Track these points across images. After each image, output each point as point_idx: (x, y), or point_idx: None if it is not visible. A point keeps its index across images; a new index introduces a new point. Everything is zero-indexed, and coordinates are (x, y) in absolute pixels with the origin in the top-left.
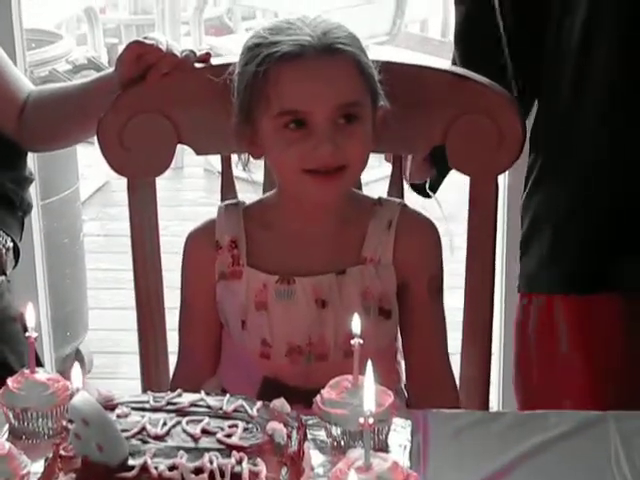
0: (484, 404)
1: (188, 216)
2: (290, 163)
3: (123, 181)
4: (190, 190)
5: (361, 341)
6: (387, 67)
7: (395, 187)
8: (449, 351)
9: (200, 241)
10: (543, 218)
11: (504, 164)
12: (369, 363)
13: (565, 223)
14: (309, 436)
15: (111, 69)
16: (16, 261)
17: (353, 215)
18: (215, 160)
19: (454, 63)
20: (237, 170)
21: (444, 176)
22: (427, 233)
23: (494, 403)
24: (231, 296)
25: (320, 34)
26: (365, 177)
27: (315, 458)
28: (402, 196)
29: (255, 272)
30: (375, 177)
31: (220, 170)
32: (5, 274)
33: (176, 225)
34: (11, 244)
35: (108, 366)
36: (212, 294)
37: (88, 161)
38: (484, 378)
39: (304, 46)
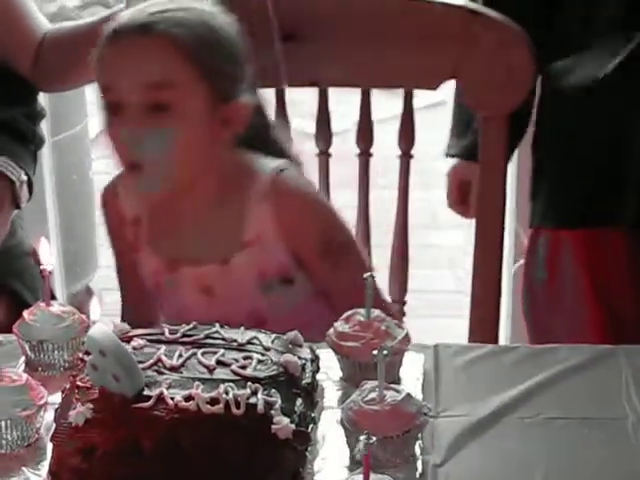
0: (493, 342)
1: None
2: (113, 150)
3: None
4: None
5: (374, 274)
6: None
7: (406, 124)
8: (457, 290)
9: (109, 208)
10: (550, 155)
11: (516, 99)
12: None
13: (570, 159)
14: (322, 369)
15: (121, 5)
16: (30, 195)
17: (228, 196)
18: None
19: None
20: None
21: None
22: (301, 200)
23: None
24: (140, 266)
25: (150, 13)
26: (377, 115)
27: (328, 390)
28: (413, 134)
29: (150, 254)
30: (385, 115)
31: None
32: (19, 207)
33: None
34: (25, 178)
35: (117, 303)
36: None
37: (95, 99)
38: (493, 318)
39: (127, 24)
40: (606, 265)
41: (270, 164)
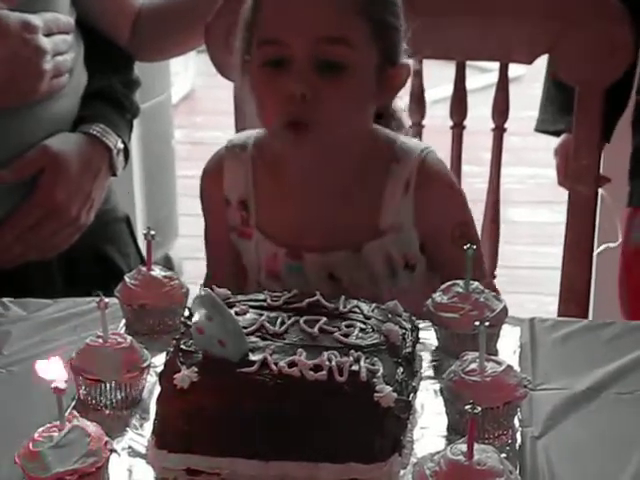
0: (583, 317)
1: None
2: (266, 107)
3: (208, 90)
4: None
5: (474, 247)
6: None
7: (501, 94)
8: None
9: (212, 188)
10: None
11: (613, 74)
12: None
13: None
14: (420, 339)
15: None
16: (125, 162)
17: (366, 176)
18: None
19: None
20: None
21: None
22: (445, 185)
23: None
24: (244, 251)
25: None
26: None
27: (425, 360)
28: (507, 106)
29: (264, 239)
30: (481, 85)
31: None
32: (115, 175)
33: None
34: (122, 145)
35: (197, 272)
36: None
37: (173, 69)
38: (584, 296)
39: None
40: None
41: (412, 144)
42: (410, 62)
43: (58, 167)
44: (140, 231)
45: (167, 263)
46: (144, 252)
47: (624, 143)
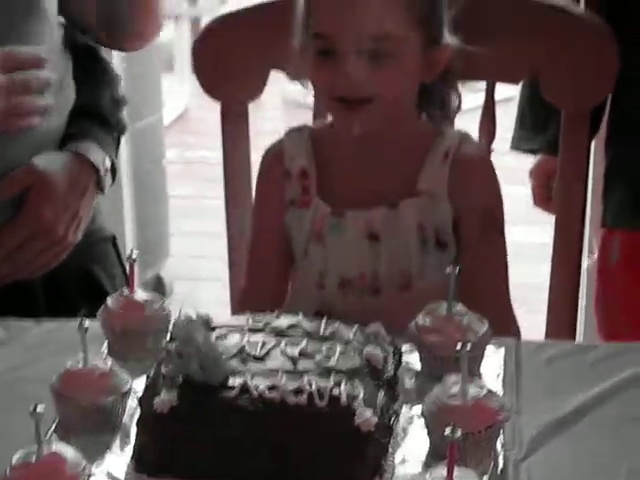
0: (571, 338)
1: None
2: (321, 88)
3: (202, 110)
4: (268, 120)
5: (457, 268)
6: None
7: (487, 115)
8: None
9: (272, 166)
10: (626, 153)
11: (600, 95)
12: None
13: None
14: (403, 362)
15: None
16: (113, 180)
17: (410, 146)
18: (294, 90)
19: None
20: None
21: None
22: (481, 166)
23: (578, 339)
24: (298, 224)
25: None
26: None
27: (408, 383)
28: (494, 126)
29: (321, 203)
30: (467, 106)
31: (301, 101)
32: (103, 192)
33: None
34: (109, 164)
35: (188, 292)
36: (283, 218)
37: (167, 89)
38: (571, 315)
39: None
40: None
41: (452, 129)
42: (453, 41)
43: (45, 186)
44: (129, 248)
45: (158, 283)
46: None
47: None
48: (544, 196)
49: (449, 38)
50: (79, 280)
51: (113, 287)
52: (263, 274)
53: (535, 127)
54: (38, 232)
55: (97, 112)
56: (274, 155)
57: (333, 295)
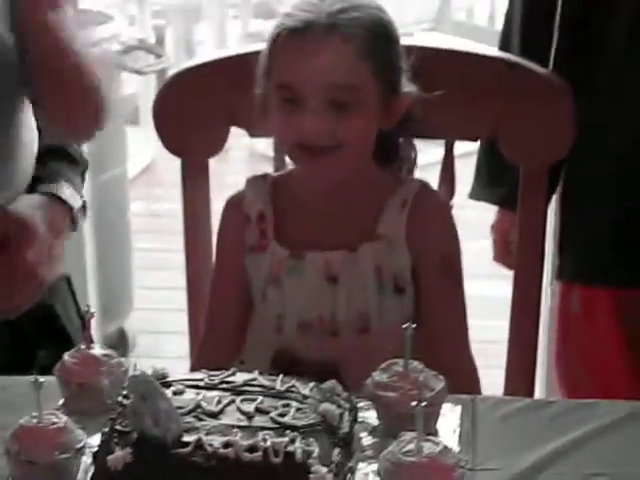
0: (529, 393)
1: None
2: (285, 137)
3: (168, 162)
4: (235, 174)
5: (413, 326)
6: (436, 53)
7: (447, 171)
8: (498, 337)
9: (232, 212)
10: (579, 213)
11: (558, 153)
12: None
13: (600, 218)
14: (359, 418)
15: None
16: (84, 217)
17: (370, 192)
18: (260, 144)
19: (503, 47)
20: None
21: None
22: (439, 212)
23: (538, 394)
24: (257, 268)
25: (329, 13)
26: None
27: (365, 440)
28: (453, 182)
29: (278, 246)
30: (426, 162)
31: (268, 154)
32: (75, 230)
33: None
34: (81, 202)
35: (151, 346)
36: (242, 264)
37: (133, 141)
38: (530, 366)
39: (308, 23)
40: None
41: (411, 178)
42: (412, 90)
43: (26, 230)
44: (92, 300)
45: (120, 337)
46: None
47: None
48: (504, 251)
49: (408, 86)
50: (37, 318)
51: (67, 317)
52: (223, 321)
53: (491, 181)
54: (22, 277)
55: (64, 150)
56: (235, 202)
57: (292, 338)
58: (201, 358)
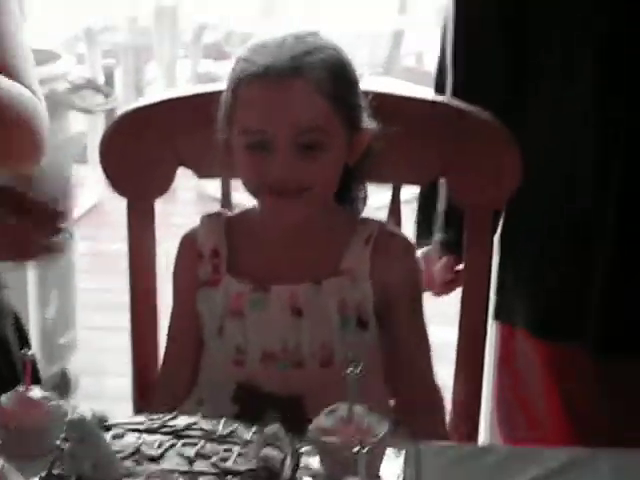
0: (474, 437)
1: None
2: (251, 180)
3: (115, 202)
4: (182, 215)
5: (357, 370)
6: (381, 98)
7: (394, 216)
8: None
9: (186, 249)
10: (515, 255)
11: (501, 198)
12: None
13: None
14: (302, 463)
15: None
16: None
17: (334, 231)
18: (209, 185)
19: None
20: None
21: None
22: (404, 247)
23: (482, 437)
24: (209, 303)
25: (290, 56)
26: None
27: None
28: (399, 226)
29: (232, 280)
30: (375, 205)
31: (216, 196)
32: None
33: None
34: None
35: (94, 387)
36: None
37: (79, 181)
38: (474, 412)
39: (269, 67)
40: (573, 378)
41: (373, 218)
42: (372, 125)
43: None
44: (34, 341)
45: (63, 378)
46: None
47: None
48: (442, 288)
49: (368, 122)
50: None
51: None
52: (180, 359)
53: (429, 228)
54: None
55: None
56: (188, 239)
57: (255, 370)
58: (158, 396)
